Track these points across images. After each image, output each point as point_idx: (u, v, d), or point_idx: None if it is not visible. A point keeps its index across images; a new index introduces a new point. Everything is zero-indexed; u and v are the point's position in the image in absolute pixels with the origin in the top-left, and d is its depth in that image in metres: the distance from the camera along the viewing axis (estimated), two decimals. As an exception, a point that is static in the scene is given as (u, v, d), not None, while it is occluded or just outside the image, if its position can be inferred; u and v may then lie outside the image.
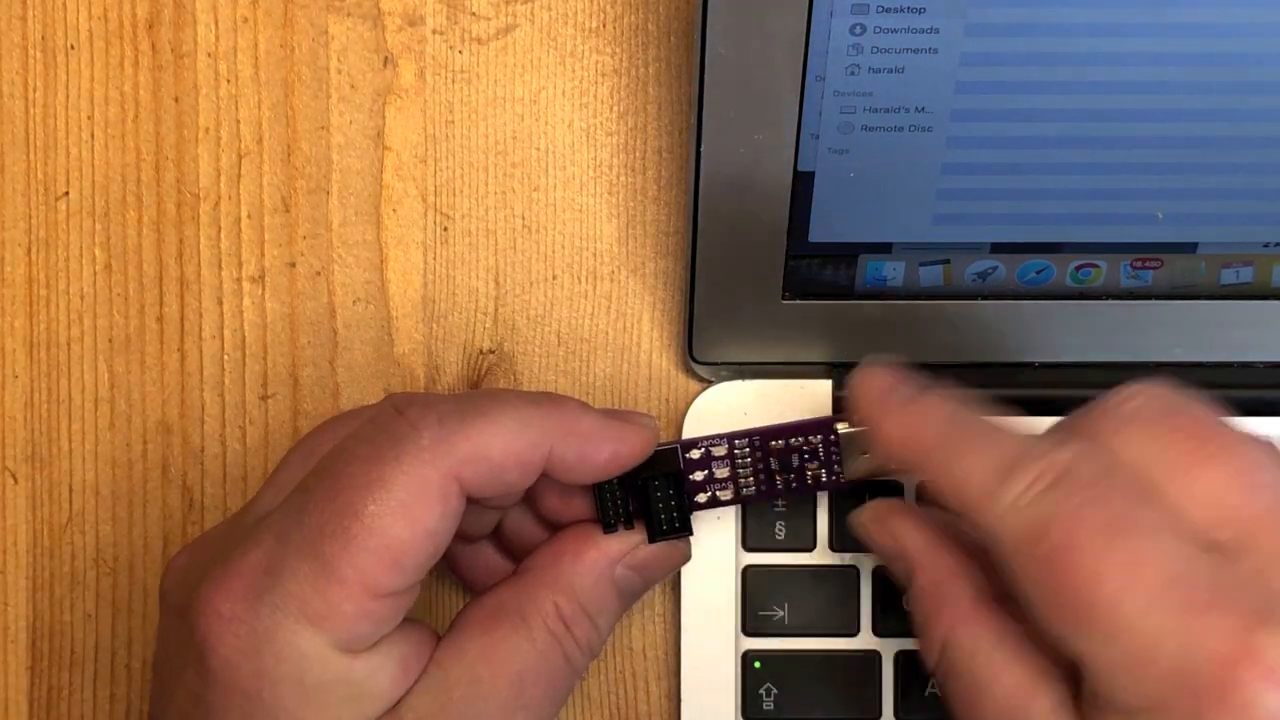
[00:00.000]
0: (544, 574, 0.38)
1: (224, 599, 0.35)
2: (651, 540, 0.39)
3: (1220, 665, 0.29)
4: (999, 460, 0.33)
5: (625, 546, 0.39)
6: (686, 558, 0.41)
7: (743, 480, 0.40)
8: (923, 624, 0.36)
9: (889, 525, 0.38)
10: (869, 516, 0.39)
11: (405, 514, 0.35)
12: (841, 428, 0.39)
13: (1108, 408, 0.34)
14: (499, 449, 0.36)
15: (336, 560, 0.34)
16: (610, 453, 0.38)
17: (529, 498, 0.40)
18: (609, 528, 0.39)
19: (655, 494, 0.39)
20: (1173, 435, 0.33)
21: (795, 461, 0.40)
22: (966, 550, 0.37)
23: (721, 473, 0.40)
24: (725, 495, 0.40)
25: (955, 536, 0.37)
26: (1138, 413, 0.34)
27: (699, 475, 0.40)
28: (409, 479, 0.35)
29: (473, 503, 0.37)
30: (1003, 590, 0.35)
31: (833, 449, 0.39)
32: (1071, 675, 0.33)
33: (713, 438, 0.40)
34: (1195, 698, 0.30)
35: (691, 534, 0.40)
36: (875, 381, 0.38)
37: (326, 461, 0.36)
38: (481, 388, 0.45)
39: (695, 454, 0.40)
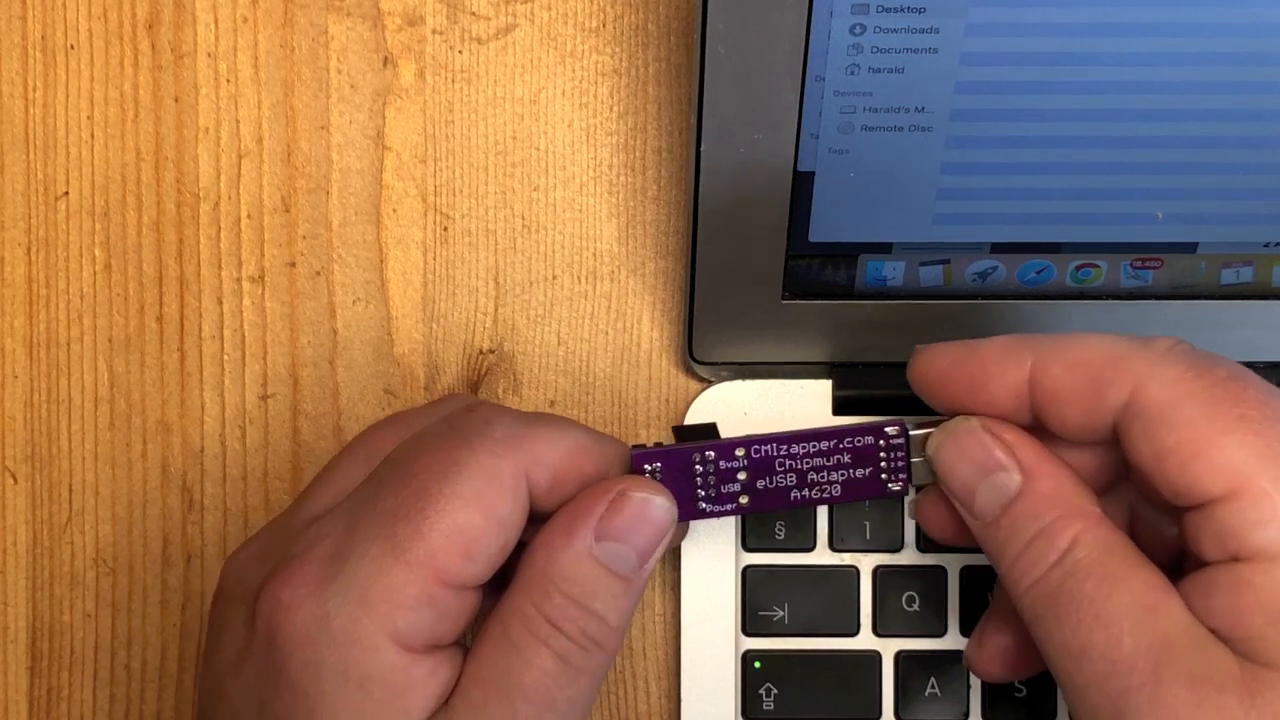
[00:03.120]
0: (522, 579, 0.36)
1: (285, 586, 0.35)
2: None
3: None
4: (1121, 338, 0.34)
5: (593, 520, 0.36)
6: (669, 513, 0.37)
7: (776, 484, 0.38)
8: (1043, 529, 0.34)
9: (1004, 435, 0.36)
10: (977, 423, 0.36)
11: (479, 500, 0.35)
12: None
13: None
14: (565, 458, 0.36)
15: (408, 542, 0.34)
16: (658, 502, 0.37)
17: None
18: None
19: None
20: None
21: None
22: (1072, 469, 0.36)
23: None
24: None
25: (1058, 456, 0.36)
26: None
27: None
28: (483, 467, 0.35)
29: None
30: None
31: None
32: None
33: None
34: None
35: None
36: (941, 345, 0.37)
37: (398, 453, 0.36)
38: (484, 391, 0.45)
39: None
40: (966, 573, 0.43)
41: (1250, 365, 0.42)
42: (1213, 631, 0.32)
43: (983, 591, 0.43)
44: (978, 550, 0.43)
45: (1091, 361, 0.34)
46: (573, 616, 0.36)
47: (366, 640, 0.34)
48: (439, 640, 0.35)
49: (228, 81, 0.45)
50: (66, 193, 0.45)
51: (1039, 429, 0.36)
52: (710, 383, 0.44)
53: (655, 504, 0.37)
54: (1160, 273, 0.41)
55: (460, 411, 0.37)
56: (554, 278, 0.45)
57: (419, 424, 0.38)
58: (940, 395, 0.36)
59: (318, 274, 0.45)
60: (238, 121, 0.45)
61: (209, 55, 0.45)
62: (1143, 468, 0.33)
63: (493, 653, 0.36)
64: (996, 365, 0.35)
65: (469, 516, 0.35)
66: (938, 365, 0.36)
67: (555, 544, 0.36)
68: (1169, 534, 0.36)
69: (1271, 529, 0.31)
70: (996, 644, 0.38)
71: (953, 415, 0.37)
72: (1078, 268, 0.41)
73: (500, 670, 0.35)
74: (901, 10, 0.35)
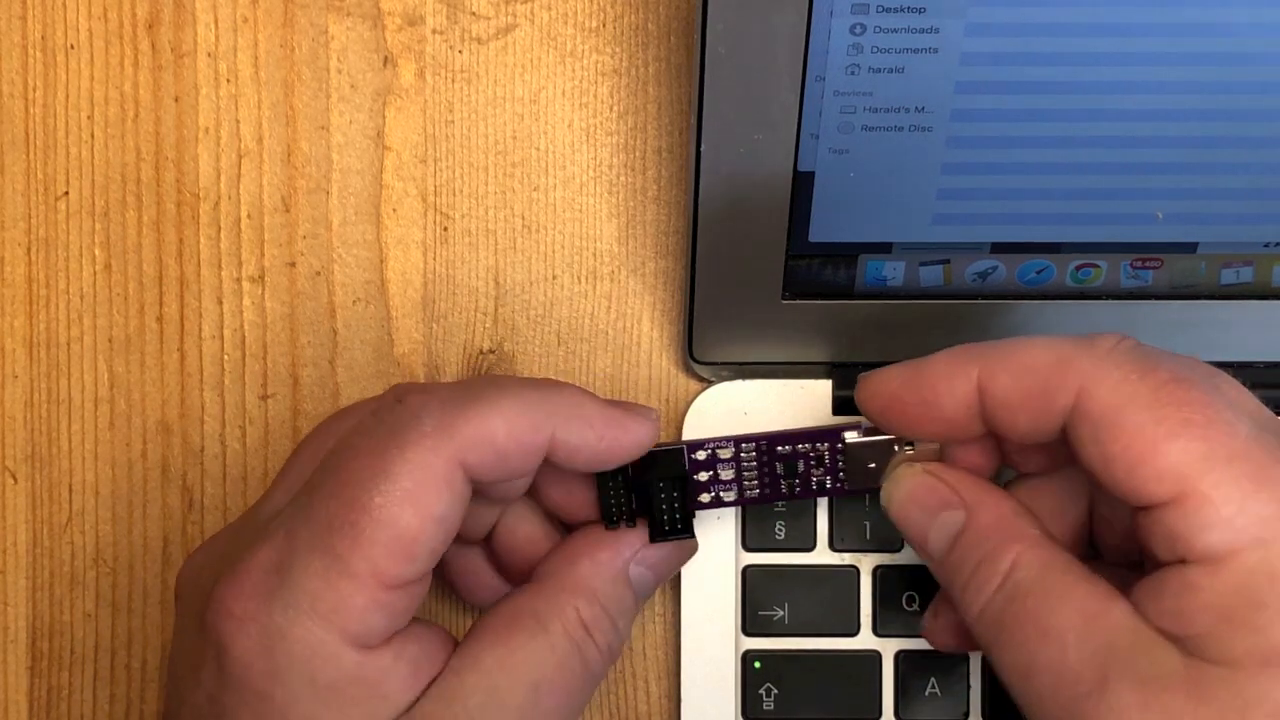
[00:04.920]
0: (562, 579, 0.38)
1: (236, 598, 0.35)
2: (652, 540, 0.39)
3: None
4: (1065, 340, 0.34)
5: (637, 544, 0.39)
6: (694, 550, 0.41)
7: (746, 483, 0.40)
8: (986, 556, 0.35)
9: (945, 476, 0.37)
10: (920, 468, 0.38)
11: (412, 502, 0.35)
12: (850, 437, 0.39)
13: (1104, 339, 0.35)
14: (502, 432, 0.36)
15: (348, 554, 0.34)
16: (612, 438, 0.37)
17: (533, 494, 0.40)
18: (611, 524, 0.39)
19: (659, 494, 0.39)
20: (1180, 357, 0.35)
21: (800, 467, 0.39)
22: (1018, 500, 0.37)
23: (726, 474, 0.40)
24: (728, 496, 0.40)
25: (1004, 490, 0.37)
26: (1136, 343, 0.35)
27: (703, 475, 0.40)
28: (413, 467, 0.35)
29: (478, 494, 0.37)
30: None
31: (839, 457, 0.39)
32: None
33: (719, 440, 0.40)
34: None
35: (693, 536, 0.40)
36: (886, 369, 0.37)
37: (330, 457, 0.36)
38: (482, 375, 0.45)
39: (701, 455, 0.40)
40: (966, 573, 0.43)
41: (1250, 365, 0.42)
42: (1164, 632, 0.32)
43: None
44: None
45: (1036, 367, 0.34)
46: (605, 629, 0.38)
47: (325, 650, 0.34)
48: (397, 629, 0.36)
49: (228, 81, 0.45)
50: (66, 193, 0.45)
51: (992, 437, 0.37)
52: (710, 383, 0.44)
53: (691, 544, 0.41)
54: (1160, 273, 0.41)
55: (390, 403, 0.37)
56: (554, 278, 0.45)
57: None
58: (894, 419, 0.37)
59: (318, 274, 0.45)
60: (238, 121, 0.45)
61: (209, 55, 0.45)
62: (1091, 470, 0.33)
63: (528, 643, 0.37)
64: (945, 381, 0.35)
65: (405, 520, 0.35)
66: (888, 389, 0.37)
67: (600, 558, 0.39)
68: (1124, 517, 0.36)
69: (1215, 533, 0.31)
70: (950, 618, 0.39)
71: (902, 437, 0.38)
72: (1078, 268, 0.41)
73: (533, 662, 0.36)
74: (901, 10, 0.35)
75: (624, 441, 0.38)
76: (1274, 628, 0.31)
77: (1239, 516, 0.31)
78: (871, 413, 0.37)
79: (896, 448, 0.38)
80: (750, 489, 0.40)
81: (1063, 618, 0.33)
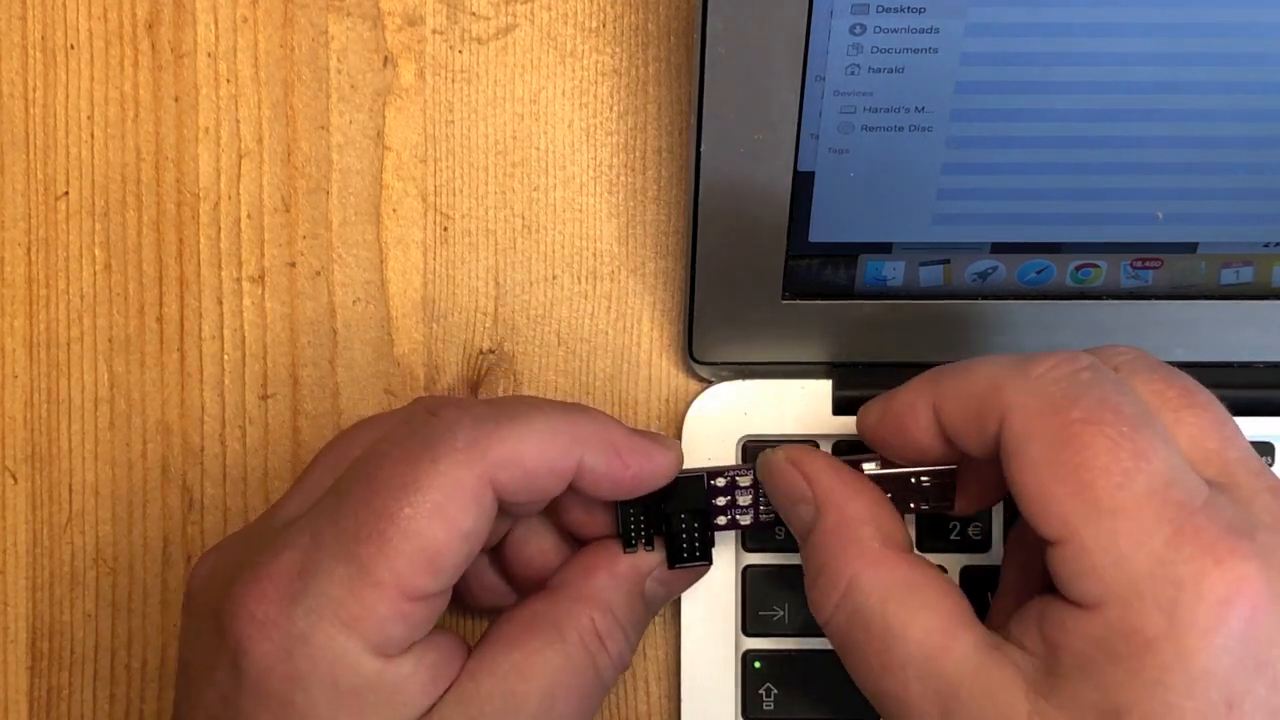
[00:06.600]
0: (579, 588, 0.39)
1: (257, 601, 0.35)
2: (671, 566, 0.40)
3: (1208, 565, 0.31)
4: (1016, 358, 0.34)
5: (654, 562, 0.40)
6: (708, 570, 0.42)
7: (763, 507, 0.40)
8: (823, 566, 0.36)
9: (802, 465, 0.38)
10: (783, 456, 0.38)
11: (441, 516, 0.35)
12: (869, 469, 0.38)
13: (1100, 353, 0.35)
14: (533, 453, 0.36)
15: (372, 563, 0.34)
16: (637, 468, 0.38)
17: (551, 510, 0.40)
18: (629, 546, 0.39)
19: (679, 523, 0.39)
20: (1165, 381, 0.35)
21: None
22: (876, 497, 0.37)
23: (744, 500, 0.40)
24: (744, 520, 0.40)
25: (866, 484, 0.37)
26: (1129, 363, 0.35)
27: (721, 500, 0.40)
28: (444, 480, 0.35)
29: (498, 509, 0.37)
30: (907, 542, 0.36)
31: None
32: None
33: (740, 467, 0.40)
34: (1175, 589, 0.31)
35: (711, 563, 0.40)
36: (870, 402, 0.38)
37: (360, 464, 0.36)
38: (484, 392, 0.45)
39: (720, 481, 0.40)
40: (966, 572, 0.43)
41: (1250, 365, 0.42)
42: (1030, 651, 0.33)
43: (982, 591, 0.43)
44: (979, 549, 0.43)
45: (975, 392, 0.34)
46: (618, 639, 0.38)
47: (347, 656, 0.34)
48: (416, 639, 0.36)
49: (228, 81, 0.45)
50: (66, 193, 0.45)
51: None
52: (710, 383, 0.44)
53: (705, 569, 0.41)
54: (1160, 273, 0.41)
55: (423, 414, 0.37)
56: (554, 278, 0.45)
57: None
58: (879, 446, 0.38)
59: (318, 274, 0.45)
60: (238, 121, 0.45)
61: (209, 55, 0.45)
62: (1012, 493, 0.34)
63: (545, 651, 0.37)
64: (909, 412, 0.36)
65: (431, 533, 0.35)
66: (868, 422, 0.38)
67: (618, 572, 0.39)
68: None
69: (1088, 581, 0.32)
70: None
71: (895, 460, 0.38)
72: (1078, 268, 0.41)
73: (549, 669, 0.37)
74: (901, 10, 0.35)
75: (649, 471, 0.38)
76: (1120, 689, 0.31)
77: (1112, 570, 0.31)
78: (865, 440, 0.38)
79: (913, 480, 0.38)
80: (765, 512, 0.40)
81: (903, 653, 0.34)
